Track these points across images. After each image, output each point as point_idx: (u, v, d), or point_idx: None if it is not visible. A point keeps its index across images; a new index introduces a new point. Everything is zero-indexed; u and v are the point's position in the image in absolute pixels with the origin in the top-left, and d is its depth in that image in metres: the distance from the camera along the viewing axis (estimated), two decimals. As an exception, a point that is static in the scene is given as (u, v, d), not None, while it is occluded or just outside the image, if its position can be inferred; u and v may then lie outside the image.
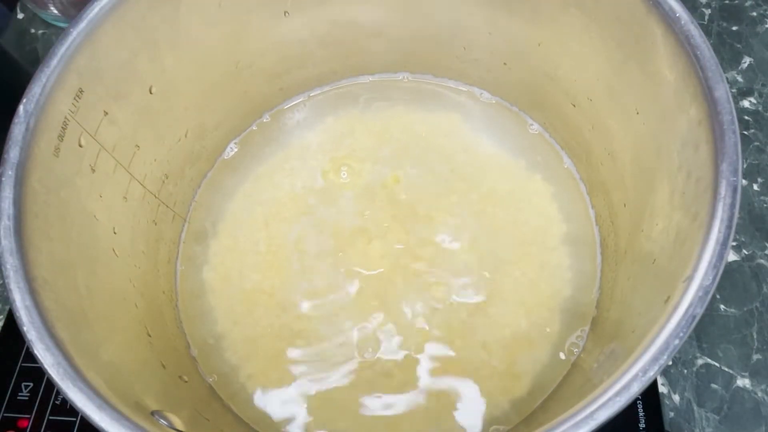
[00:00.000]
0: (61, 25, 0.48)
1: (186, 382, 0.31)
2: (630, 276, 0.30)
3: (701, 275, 0.21)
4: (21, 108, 0.25)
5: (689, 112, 0.25)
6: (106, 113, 0.29)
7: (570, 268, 0.35)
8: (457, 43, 0.37)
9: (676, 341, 0.20)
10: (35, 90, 0.25)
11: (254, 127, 0.40)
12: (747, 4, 0.46)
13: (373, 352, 0.33)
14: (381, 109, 0.40)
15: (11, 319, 0.38)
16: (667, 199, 0.26)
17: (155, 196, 0.34)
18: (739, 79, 0.43)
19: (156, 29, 0.30)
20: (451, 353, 0.33)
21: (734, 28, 0.45)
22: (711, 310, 0.36)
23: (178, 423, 0.25)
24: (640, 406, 0.33)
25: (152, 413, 0.24)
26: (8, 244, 0.23)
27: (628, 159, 0.31)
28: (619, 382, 0.20)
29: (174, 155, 0.35)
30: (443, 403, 0.32)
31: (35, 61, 0.47)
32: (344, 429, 0.32)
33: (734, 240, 0.38)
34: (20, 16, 0.49)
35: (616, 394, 0.20)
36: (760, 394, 0.34)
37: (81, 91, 0.27)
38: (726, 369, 0.35)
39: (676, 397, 0.34)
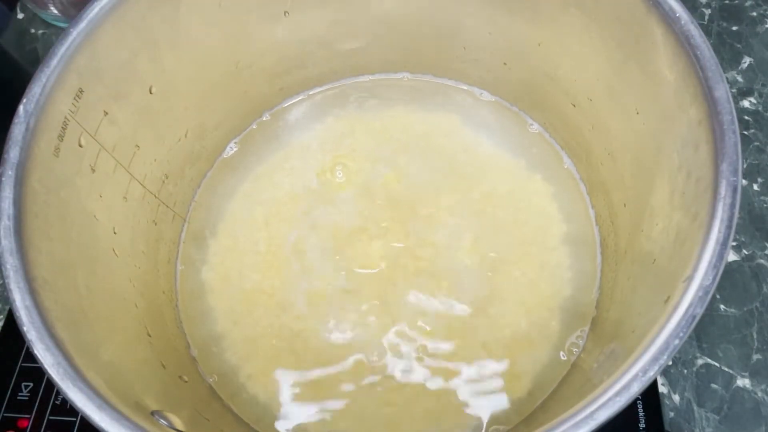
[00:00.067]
0: (61, 25, 0.48)
1: (186, 382, 0.31)
2: (630, 276, 0.30)
3: (701, 275, 0.21)
4: (21, 108, 0.25)
5: (689, 112, 0.25)
6: (106, 113, 0.29)
7: (570, 268, 0.35)
8: (457, 43, 0.37)
9: (676, 341, 0.20)
10: (35, 90, 0.25)
11: (254, 127, 0.40)
12: (747, 4, 0.46)
13: (373, 352, 0.33)
14: (381, 109, 0.40)
15: (11, 319, 0.38)
16: (667, 199, 0.26)
17: (155, 196, 0.34)
18: (739, 79, 0.43)
19: (156, 29, 0.30)
20: (451, 353, 0.33)
21: (734, 28, 0.45)
22: (711, 310, 0.36)
23: (178, 423, 0.25)
24: (640, 406, 0.33)
25: (152, 413, 0.24)
26: (8, 244, 0.23)
27: (628, 159, 0.31)
28: (619, 382, 0.20)
29: (174, 155, 0.35)
30: (443, 403, 0.32)
31: (35, 61, 0.47)
32: (344, 429, 0.32)
33: (734, 240, 0.38)
34: (20, 16, 0.49)
35: (616, 394, 0.20)
36: (760, 394, 0.34)
37: (81, 91, 0.27)
38: (726, 369, 0.35)
39: (676, 397, 0.34)
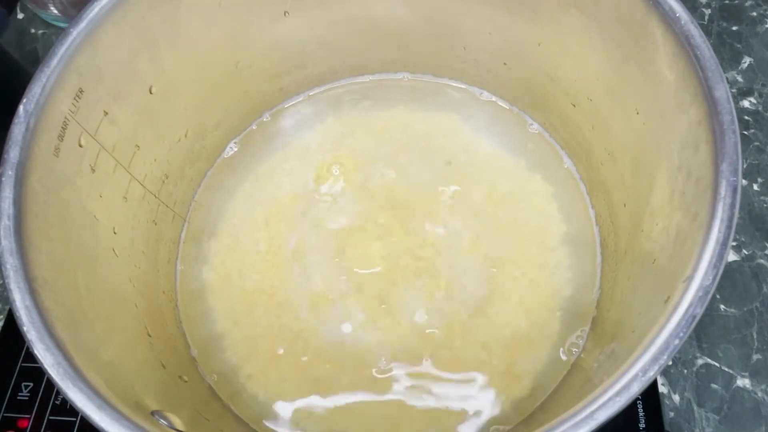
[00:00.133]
0: (61, 25, 0.48)
1: (186, 382, 0.31)
2: (630, 276, 0.30)
3: (701, 275, 0.21)
4: (21, 108, 0.25)
5: (689, 112, 0.25)
6: (106, 113, 0.29)
7: (570, 268, 0.35)
8: (457, 43, 0.37)
9: (676, 341, 0.20)
10: (35, 90, 0.25)
11: (254, 127, 0.40)
12: (747, 4, 0.46)
13: (373, 352, 0.33)
14: (381, 109, 0.40)
15: (11, 319, 0.38)
16: (667, 199, 0.26)
17: (155, 196, 0.34)
18: (739, 79, 0.43)
19: (156, 29, 0.30)
20: (452, 353, 0.33)
21: (734, 28, 0.45)
22: (711, 310, 0.36)
23: (178, 423, 0.25)
24: (640, 406, 0.33)
25: (152, 413, 0.24)
26: (8, 244, 0.23)
27: (628, 159, 0.31)
28: (619, 382, 0.20)
29: (174, 155, 0.35)
30: (443, 403, 0.32)
31: (35, 61, 0.47)
32: (344, 428, 0.32)
33: (734, 240, 0.38)
34: (20, 16, 0.49)
35: (616, 394, 0.20)
36: (760, 394, 0.34)
37: (81, 91, 0.27)
38: (726, 369, 0.35)
39: (676, 397, 0.34)
